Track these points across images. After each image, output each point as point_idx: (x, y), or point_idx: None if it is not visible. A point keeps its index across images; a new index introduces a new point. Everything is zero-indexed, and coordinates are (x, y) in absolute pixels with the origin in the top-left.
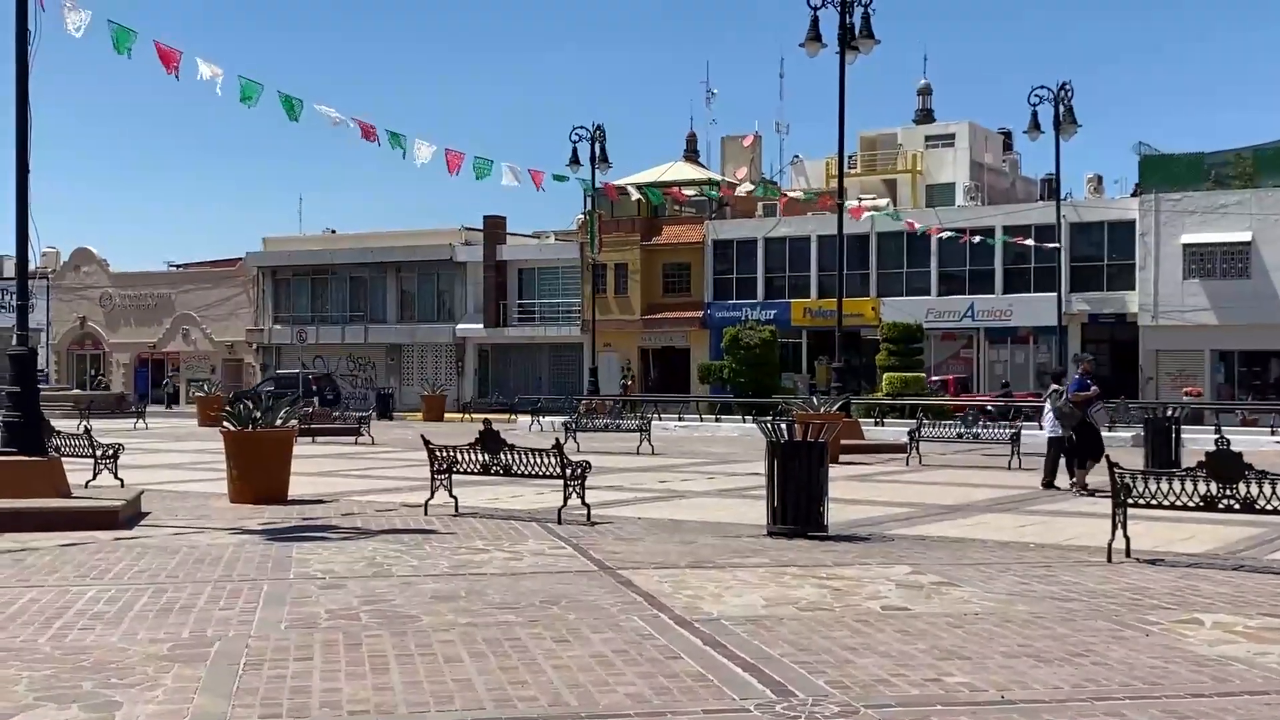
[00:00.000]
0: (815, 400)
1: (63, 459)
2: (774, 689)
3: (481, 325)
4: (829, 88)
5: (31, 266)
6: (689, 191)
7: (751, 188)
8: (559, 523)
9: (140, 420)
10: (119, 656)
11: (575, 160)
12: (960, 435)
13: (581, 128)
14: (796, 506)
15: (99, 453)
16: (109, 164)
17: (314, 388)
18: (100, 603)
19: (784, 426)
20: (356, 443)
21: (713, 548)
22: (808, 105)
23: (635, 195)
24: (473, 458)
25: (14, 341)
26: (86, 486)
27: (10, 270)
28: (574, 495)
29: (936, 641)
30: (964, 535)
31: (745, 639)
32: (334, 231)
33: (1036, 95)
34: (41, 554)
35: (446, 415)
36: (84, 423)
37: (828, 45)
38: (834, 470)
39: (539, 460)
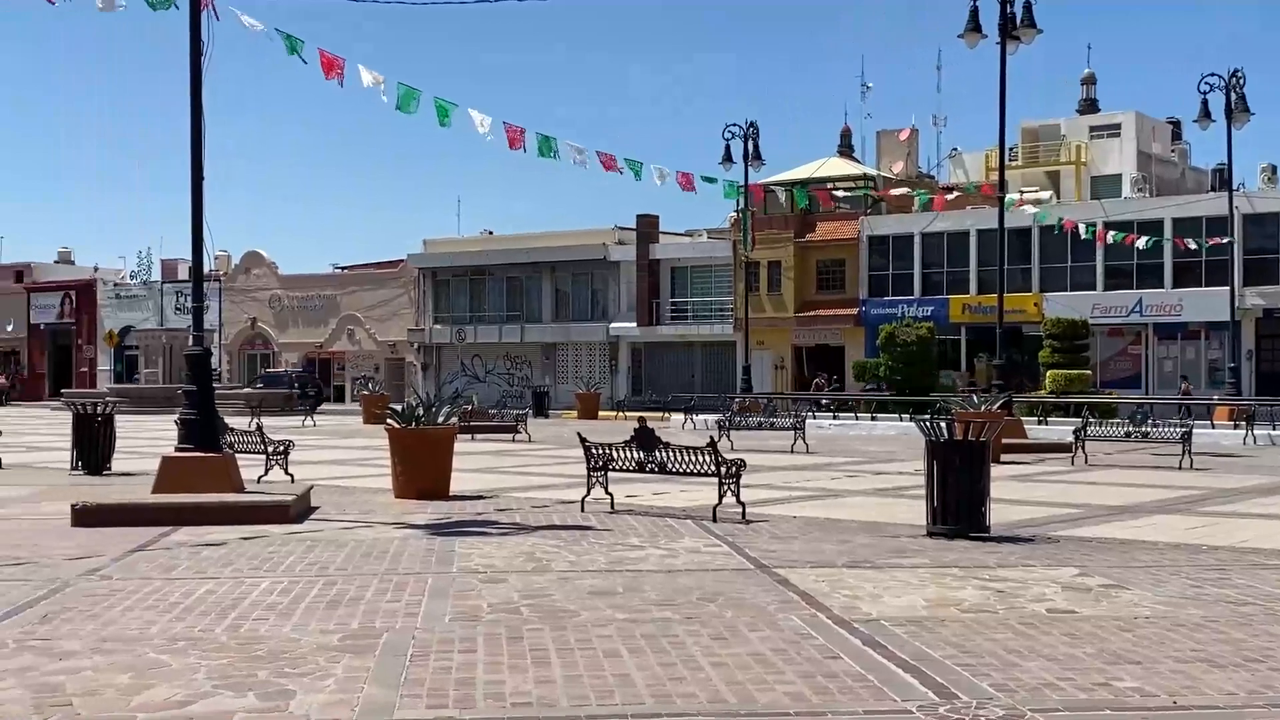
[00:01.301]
0: (975, 398)
1: (236, 455)
2: (936, 691)
3: (635, 324)
4: (989, 79)
5: (205, 270)
6: (843, 186)
7: (907, 190)
8: (714, 520)
9: (309, 417)
10: (291, 646)
11: (728, 158)
12: (1128, 434)
13: (735, 125)
14: (957, 507)
15: (270, 449)
16: (278, 170)
17: (296, 384)
18: (273, 594)
19: (943, 425)
20: (514, 440)
21: (870, 547)
22: (966, 97)
23: (781, 198)
24: (628, 455)
25: (190, 342)
26: (259, 481)
27: (185, 273)
28: (729, 493)
29: (1104, 645)
30: (1132, 537)
31: (906, 640)
32: (491, 233)
33: (1206, 83)
34: (217, 546)
35: (600, 413)
36: (255, 420)
37: (987, 36)
38: (996, 470)
39: (694, 458)
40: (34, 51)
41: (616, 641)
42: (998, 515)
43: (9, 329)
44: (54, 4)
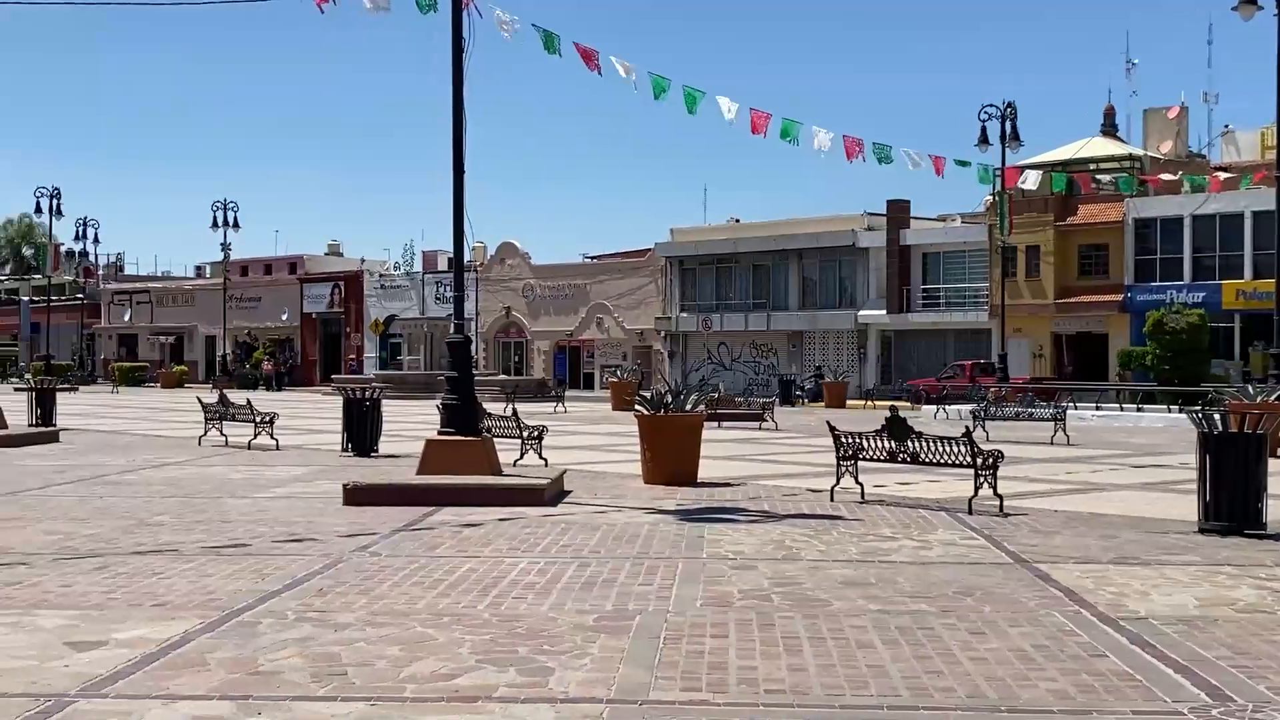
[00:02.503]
0: (1251, 389)
1: (494, 439)
2: (1209, 692)
3: (884, 311)
4: (1265, 53)
5: (464, 261)
6: (1106, 168)
7: (1174, 176)
8: (969, 513)
9: (560, 404)
10: (549, 625)
11: (984, 139)
12: None
13: (991, 105)
14: (1231, 502)
15: (525, 434)
16: (531, 162)
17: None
18: (531, 574)
19: (1216, 417)
20: (760, 428)
21: (1137, 543)
22: (1240, 73)
23: (1032, 185)
24: (878, 444)
25: (451, 330)
26: (515, 465)
27: (445, 265)
28: (985, 485)
29: None
30: None
31: (1176, 639)
32: (738, 220)
33: None
34: (478, 527)
35: (848, 402)
36: (510, 406)
37: (1264, 7)
38: (1273, 464)
39: (948, 449)
40: (305, 56)
41: (870, 632)
42: (1275, 513)
43: (284, 317)
44: (323, 12)
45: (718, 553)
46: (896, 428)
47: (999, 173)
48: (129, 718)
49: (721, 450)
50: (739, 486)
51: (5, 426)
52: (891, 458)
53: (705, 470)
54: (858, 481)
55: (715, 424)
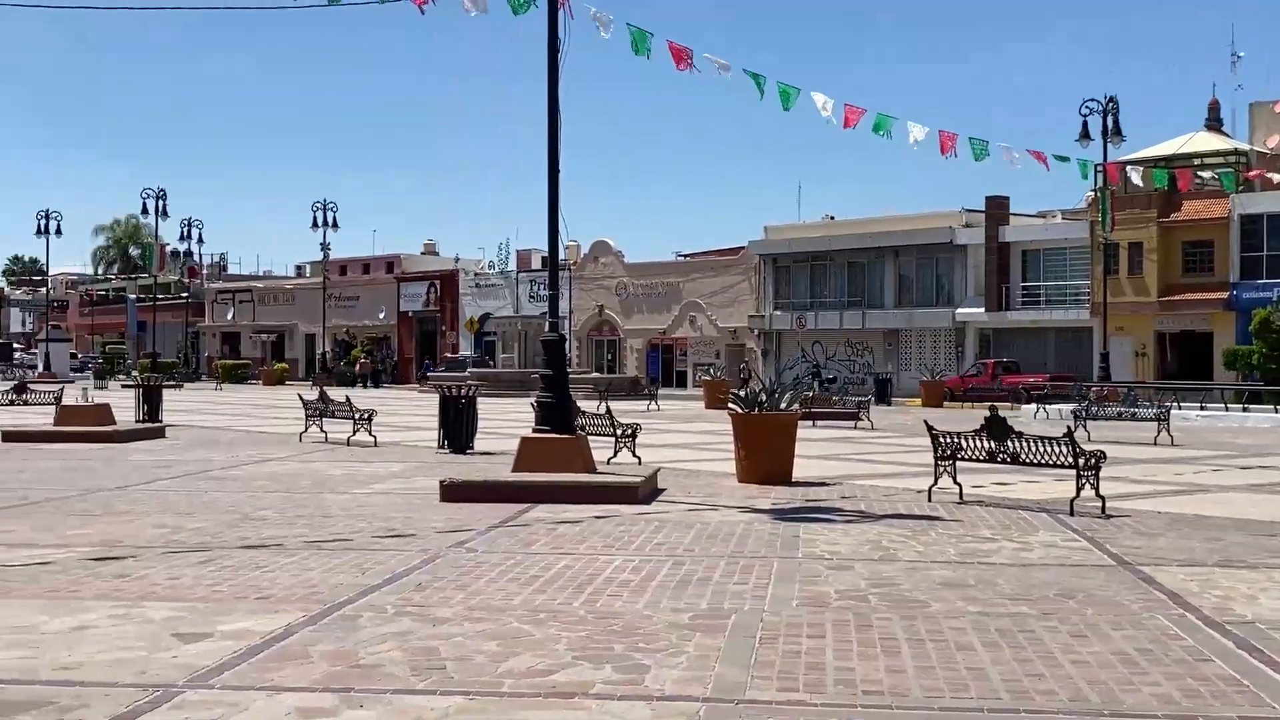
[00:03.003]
0: None
1: (588, 437)
2: None
3: (982, 309)
4: None
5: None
6: (1211, 163)
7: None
8: (1071, 514)
9: (653, 402)
10: (644, 623)
11: (1085, 135)
12: None
13: (1093, 100)
14: None
15: (619, 432)
16: (624, 160)
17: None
18: (625, 572)
19: None
20: (855, 427)
21: (1244, 546)
22: None
23: (1136, 179)
24: (977, 444)
25: (546, 328)
26: (608, 463)
27: (539, 263)
28: (1087, 486)
29: None
30: None
31: None
32: (832, 218)
33: None
34: (573, 524)
35: (945, 401)
36: (603, 404)
37: None
38: None
39: (1048, 449)
40: (403, 60)
41: (970, 634)
42: None
43: (381, 316)
44: (423, 13)
45: (813, 552)
46: (996, 427)
47: (1100, 168)
48: (235, 708)
49: (816, 449)
50: (834, 486)
51: (114, 422)
52: (991, 458)
53: (800, 469)
54: (956, 482)
55: (809, 423)
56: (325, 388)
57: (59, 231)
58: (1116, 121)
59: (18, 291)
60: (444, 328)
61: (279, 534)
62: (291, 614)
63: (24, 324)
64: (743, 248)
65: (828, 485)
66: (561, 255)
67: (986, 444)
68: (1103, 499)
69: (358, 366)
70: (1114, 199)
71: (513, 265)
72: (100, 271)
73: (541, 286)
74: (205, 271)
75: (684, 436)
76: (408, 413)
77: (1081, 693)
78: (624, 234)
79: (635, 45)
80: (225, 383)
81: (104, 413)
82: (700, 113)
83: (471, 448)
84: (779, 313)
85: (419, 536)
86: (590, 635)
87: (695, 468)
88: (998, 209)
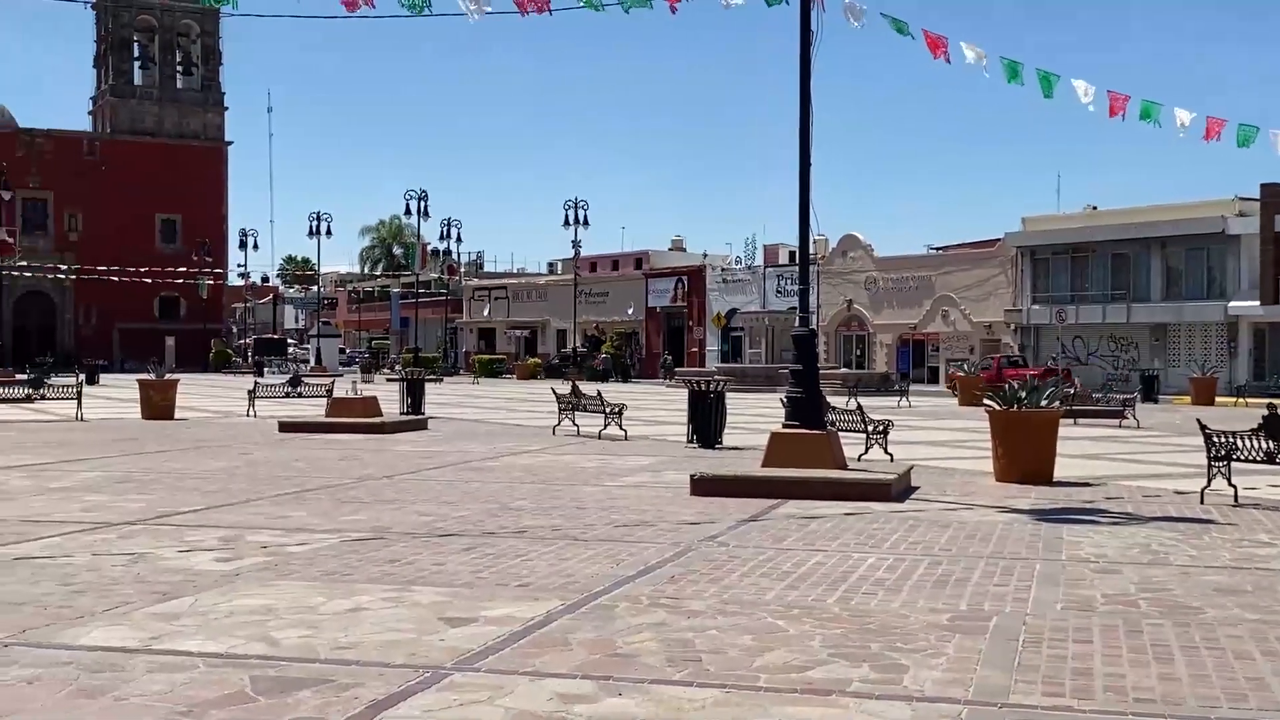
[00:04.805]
0: None
1: (838, 433)
2: None
3: (1257, 302)
4: None
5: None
6: None
7: None
8: None
9: (904, 398)
10: (901, 622)
11: None
12: None
13: None
14: None
15: (870, 428)
16: (874, 153)
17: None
18: (880, 570)
19: None
20: (1120, 426)
21: None
22: None
23: None
24: (1255, 445)
25: (795, 323)
26: (859, 460)
27: (786, 258)
28: None
29: None
30: None
31: None
32: (1094, 208)
33: None
34: (823, 520)
35: (1217, 399)
36: (853, 399)
37: None
38: None
39: None
40: (655, 55)
41: (1248, 643)
42: None
43: (629, 312)
44: (674, 11)
45: (1077, 555)
46: (1276, 427)
47: None
48: (500, 691)
49: (1077, 448)
50: (1098, 486)
51: (380, 414)
52: (1269, 459)
53: (1061, 469)
54: (1230, 484)
55: (1070, 421)
56: (576, 382)
57: (329, 232)
58: None
59: (291, 290)
60: (690, 323)
61: (536, 524)
62: (550, 602)
63: (297, 320)
64: (998, 240)
65: (1091, 486)
66: (810, 249)
67: (1265, 444)
68: None
69: (595, 361)
70: None
71: (759, 260)
72: (366, 270)
73: (789, 281)
74: (463, 269)
75: (937, 434)
76: (656, 408)
77: None
78: (873, 227)
79: (897, 28)
80: (481, 377)
81: (372, 405)
82: (951, 103)
83: (720, 442)
84: (1037, 307)
85: (671, 529)
86: (846, 633)
87: (950, 466)
88: (1275, 197)
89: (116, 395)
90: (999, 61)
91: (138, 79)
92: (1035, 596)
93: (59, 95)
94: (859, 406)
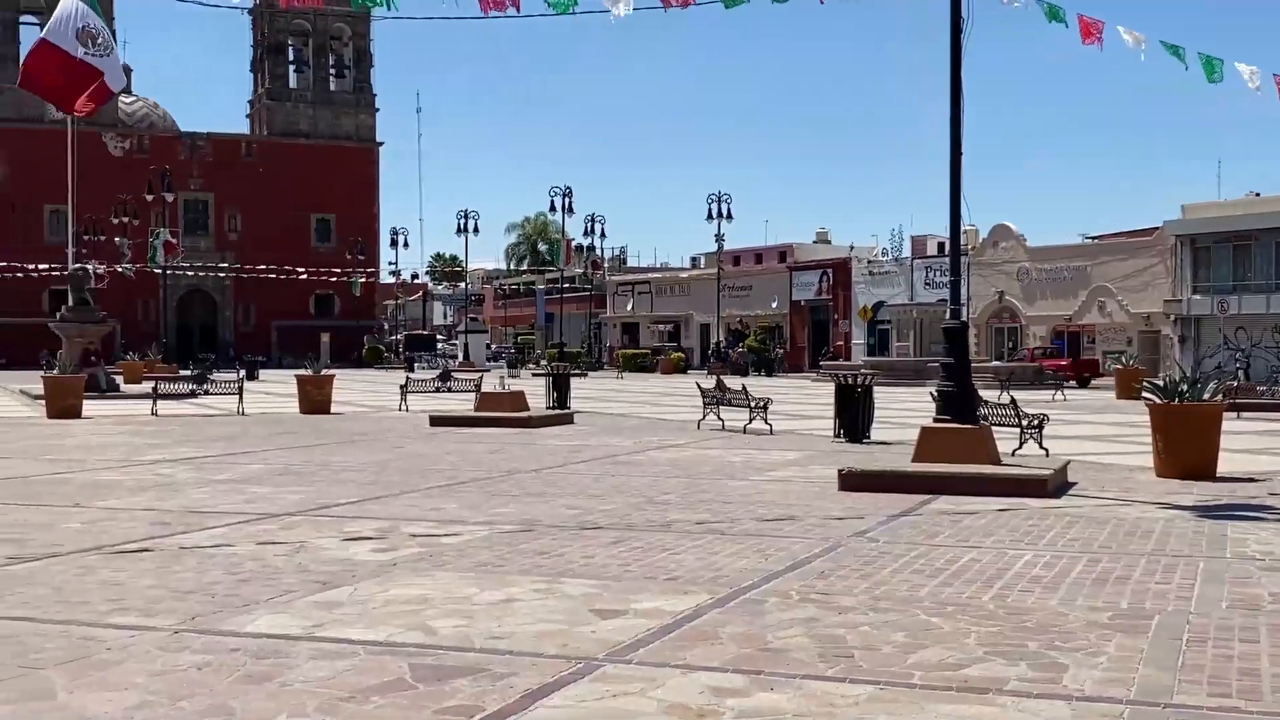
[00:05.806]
0: None
1: (991, 427)
2: None
3: None
4: None
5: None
6: None
7: None
8: None
9: (1059, 392)
10: (1059, 620)
11: None
12: None
13: None
14: None
15: (1024, 422)
16: (1026, 141)
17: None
18: (1036, 567)
19: None
20: None
21: None
22: None
23: None
24: None
25: (948, 315)
26: (1012, 455)
27: (934, 249)
28: None
29: None
30: None
31: None
32: (1258, 195)
33: None
34: (977, 516)
35: None
36: (1006, 393)
37: None
38: None
39: None
40: (797, 47)
41: None
42: None
43: (774, 305)
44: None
45: (1243, 552)
46: None
47: None
48: (652, 684)
49: (1242, 443)
50: (1264, 482)
51: (528, 409)
52: None
53: (1225, 464)
54: None
55: (1234, 415)
56: (721, 376)
57: (476, 230)
58: None
59: (440, 287)
60: (836, 316)
61: (682, 517)
62: (699, 595)
63: (445, 316)
64: (1157, 229)
65: (1257, 481)
66: (961, 240)
67: None
68: None
69: (733, 355)
70: None
71: (906, 252)
72: (512, 266)
73: (937, 273)
74: (606, 264)
75: (1094, 428)
76: (801, 401)
77: None
78: (1025, 217)
79: (1050, 13)
80: (625, 371)
81: (519, 399)
82: (1112, 90)
83: (868, 437)
84: (1198, 297)
85: (819, 524)
86: (1002, 631)
87: (1107, 461)
88: None
89: (275, 390)
90: (1159, 45)
91: (293, 82)
92: (1198, 594)
93: (219, 99)
94: (1012, 400)
